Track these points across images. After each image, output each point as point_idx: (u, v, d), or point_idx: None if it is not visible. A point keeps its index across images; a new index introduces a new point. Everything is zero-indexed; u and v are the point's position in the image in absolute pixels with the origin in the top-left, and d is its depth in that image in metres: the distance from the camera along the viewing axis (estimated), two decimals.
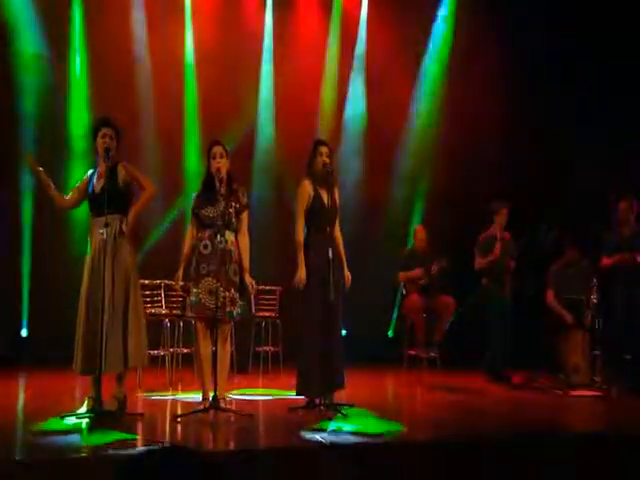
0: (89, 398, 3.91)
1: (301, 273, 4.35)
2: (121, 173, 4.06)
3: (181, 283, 4.30)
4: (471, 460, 3.20)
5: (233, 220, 4.24)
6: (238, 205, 4.28)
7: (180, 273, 4.30)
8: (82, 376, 4.01)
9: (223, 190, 4.19)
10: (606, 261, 6.01)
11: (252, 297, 6.30)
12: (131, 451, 2.98)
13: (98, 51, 7.59)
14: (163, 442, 3.21)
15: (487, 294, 6.34)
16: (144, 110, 7.70)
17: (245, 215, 4.32)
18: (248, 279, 4.24)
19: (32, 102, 7.37)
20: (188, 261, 4.27)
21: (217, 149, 4.27)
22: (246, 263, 4.27)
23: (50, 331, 6.83)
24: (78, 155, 7.30)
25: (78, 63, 7.64)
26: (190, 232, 4.34)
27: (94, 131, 4.13)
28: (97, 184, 4.08)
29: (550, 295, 6.22)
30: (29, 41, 7.37)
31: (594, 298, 6.05)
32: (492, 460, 3.21)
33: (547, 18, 8.13)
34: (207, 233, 4.20)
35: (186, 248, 4.31)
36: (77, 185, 4.23)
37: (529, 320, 5.99)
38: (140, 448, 3.09)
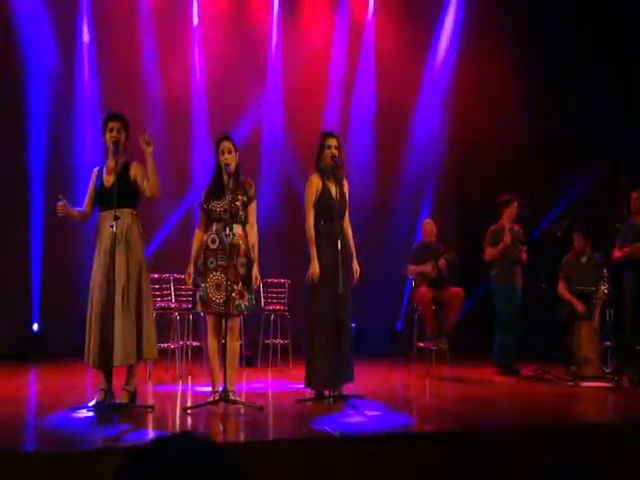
0: (100, 390, 3.94)
1: (314, 267, 4.36)
2: (133, 171, 4.06)
3: (193, 276, 4.32)
4: (481, 451, 3.20)
5: (240, 213, 4.23)
6: (245, 197, 4.27)
7: (191, 268, 4.31)
8: (95, 369, 4.02)
9: (230, 184, 4.19)
10: (617, 253, 5.96)
11: (261, 289, 6.33)
12: (143, 441, 3.01)
13: (105, 52, 7.63)
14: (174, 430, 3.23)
15: (497, 285, 6.32)
16: (152, 107, 7.72)
17: (253, 207, 4.31)
18: (255, 272, 4.24)
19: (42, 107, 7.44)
20: (198, 255, 4.28)
21: (225, 144, 4.26)
22: (255, 255, 4.27)
23: (61, 326, 6.88)
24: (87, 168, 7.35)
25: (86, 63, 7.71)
26: (199, 226, 4.35)
27: (103, 125, 4.14)
28: (107, 178, 4.08)
29: (562, 286, 6.20)
30: (38, 64, 7.44)
31: (605, 289, 6.01)
32: (503, 451, 3.20)
33: (557, 15, 8.08)
34: (215, 227, 4.20)
35: (196, 243, 4.32)
36: (89, 190, 4.22)
37: (540, 311, 5.97)
38: (152, 436, 3.12)
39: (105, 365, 3.88)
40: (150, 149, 3.96)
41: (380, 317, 8.31)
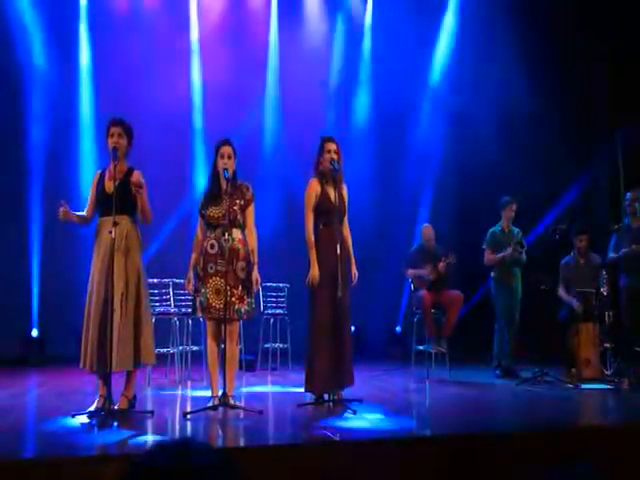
0: (99, 396, 3.94)
1: (314, 271, 4.36)
2: (134, 179, 4.05)
3: (192, 282, 4.31)
4: (481, 454, 3.20)
5: (239, 217, 4.23)
6: (243, 201, 4.27)
7: (191, 274, 4.31)
8: (92, 374, 4.03)
9: (228, 188, 4.19)
10: (612, 254, 5.98)
11: (260, 293, 6.33)
12: (143, 447, 3.00)
13: (103, 54, 7.65)
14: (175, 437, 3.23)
15: (496, 287, 6.32)
16: (152, 111, 7.72)
17: (251, 210, 4.31)
18: (255, 275, 4.24)
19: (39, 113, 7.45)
20: (197, 261, 4.27)
21: (226, 149, 4.25)
22: (255, 258, 4.27)
23: (60, 331, 6.88)
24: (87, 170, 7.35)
25: (84, 61, 7.72)
26: (198, 232, 4.35)
27: (105, 131, 4.15)
28: (108, 184, 4.08)
29: (561, 288, 6.20)
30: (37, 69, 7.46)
31: (604, 290, 6.02)
32: (502, 454, 3.20)
33: (560, 17, 8.10)
34: (214, 233, 4.21)
35: (195, 248, 4.32)
36: (91, 193, 4.22)
37: (539, 313, 5.96)
38: (152, 443, 3.11)
39: (101, 369, 3.88)
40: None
41: (380, 321, 8.31)
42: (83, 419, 3.69)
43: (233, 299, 4.11)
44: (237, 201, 4.24)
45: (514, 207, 6.36)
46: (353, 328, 5.43)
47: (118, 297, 3.86)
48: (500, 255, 6.20)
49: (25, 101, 7.40)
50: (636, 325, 5.81)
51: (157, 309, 5.67)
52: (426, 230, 6.48)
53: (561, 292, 6.18)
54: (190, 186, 7.86)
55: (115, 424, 3.56)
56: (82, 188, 6.86)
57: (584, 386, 5.42)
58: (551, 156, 8.11)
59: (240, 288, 4.16)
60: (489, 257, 6.31)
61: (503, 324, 6.23)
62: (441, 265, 6.05)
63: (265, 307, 6.63)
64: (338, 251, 4.29)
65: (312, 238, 4.45)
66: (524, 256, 6.24)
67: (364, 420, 3.79)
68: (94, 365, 3.89)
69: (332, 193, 4.51)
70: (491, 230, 6.43)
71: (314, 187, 4.52)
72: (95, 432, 3.42)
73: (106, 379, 3.84)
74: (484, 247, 6.37)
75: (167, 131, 7.80)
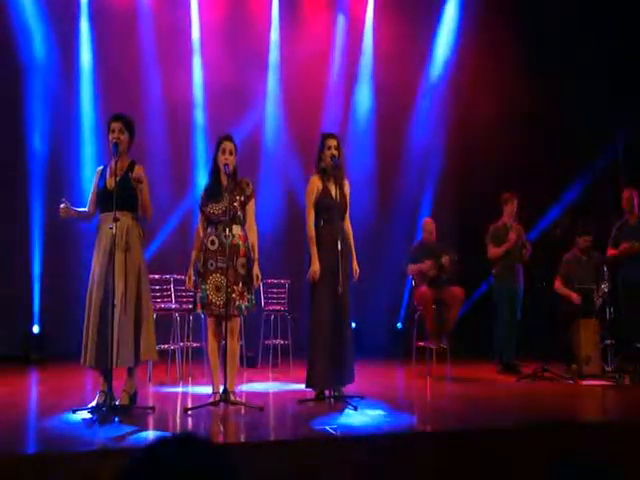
0: (100, 392, 3.94)
1: (315, 267, 4.37)
2: (134, 174, 4.04)
3: (193, 278, 4.32)
4: (482, 450, 3.20)
5: (239, 213, 4.24)
6: (243, 197, 4.27)
7: (191, 271, 4.31)
8: (93, 370, 4.03)
9: (228, 184, 4.19)
10: (611, 251, 5.99)
11: (261, 290, 6.33)
12: (143, 442, 3.01)
13: (104, 51, 7.63)
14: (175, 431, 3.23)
15: (498, 284, 6.32)
16: (152, 109, 7.71)
17: (251, 206, 4.31)
18: (256, 271, 4.24)
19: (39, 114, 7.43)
20: (198, 257, 4.27)
21: (228, 145, 4.26)
22: (255, 254, 4.27)
23: (62, 327, 6.89)
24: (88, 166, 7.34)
25: (85, 59, 7.70)
26: (199, 229, 4.35)
27: (106, 126, 4.15)
28: (109, 179, 4.07)
29: (558, 282, 6.20)
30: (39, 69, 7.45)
31: (605, 287, 6.02)
32: (503, 450, 3.20)
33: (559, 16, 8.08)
34: (214, 229, 4.21)
35: (196, 245, 4.32)
36: (92, 189, 4.22)
37: (540, 310, 5.97)
38: (152, 437, 3.12)
39: (102, 365, 3.89)
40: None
41: (380, 317, 8.31)
42: (84, 415, 3.70)
43: (233, 295, 4.12)
44: (237, 197, 4.24)
45: (515, 202, 6.36)
46: (354, 324, 5.44)
47: (119, 293, 3.86)
48: (503, 247, 6.18)
49: (25, 98, 7.39)
50: (635, 321, 5.81)
51: (158, 305, 5.68)
52: (426, 224, 6.47)
53: (559, 286, 6.18)
54: (191, 183, 7.85)
55: (116, 420, 3.56)
56: (83, 185, 6.85)
57: (585, 382, 5.43)
58: (551, 155, 8.09)
59: (240, 284, 4.17)
60: (493, 250, 6.29)
61: (504, 320, 6.23)
62: (445, 258, 6.03)
63: (266, 303, 6.64)
64: (339, 247, 4.29)
65: (313, 234, 4.45)
66: (528, 253, 6.23)
67: (365, 416, 3.80)
68: (95, 361, 3.89)
69: (333, 189, 4.51)
70: (493, 225, 6.43)
71: (315, 183, 4.52)
72: (96, 428, 3.42)
73: (107, 375, 3.85)
74: (487, 242, 6.37)
75: (168, 128, 7.79)
